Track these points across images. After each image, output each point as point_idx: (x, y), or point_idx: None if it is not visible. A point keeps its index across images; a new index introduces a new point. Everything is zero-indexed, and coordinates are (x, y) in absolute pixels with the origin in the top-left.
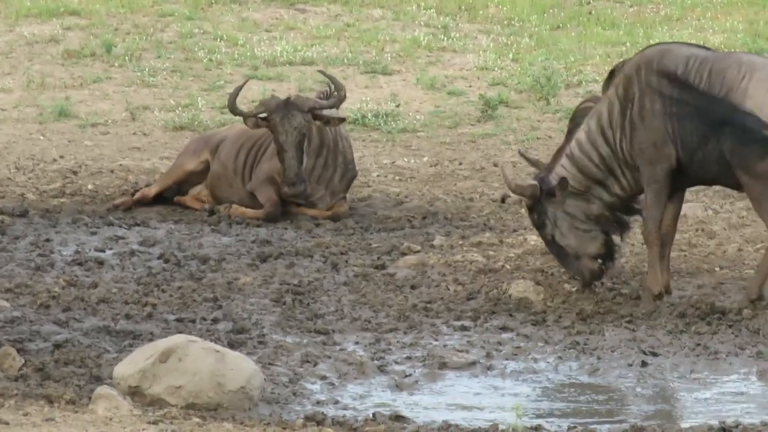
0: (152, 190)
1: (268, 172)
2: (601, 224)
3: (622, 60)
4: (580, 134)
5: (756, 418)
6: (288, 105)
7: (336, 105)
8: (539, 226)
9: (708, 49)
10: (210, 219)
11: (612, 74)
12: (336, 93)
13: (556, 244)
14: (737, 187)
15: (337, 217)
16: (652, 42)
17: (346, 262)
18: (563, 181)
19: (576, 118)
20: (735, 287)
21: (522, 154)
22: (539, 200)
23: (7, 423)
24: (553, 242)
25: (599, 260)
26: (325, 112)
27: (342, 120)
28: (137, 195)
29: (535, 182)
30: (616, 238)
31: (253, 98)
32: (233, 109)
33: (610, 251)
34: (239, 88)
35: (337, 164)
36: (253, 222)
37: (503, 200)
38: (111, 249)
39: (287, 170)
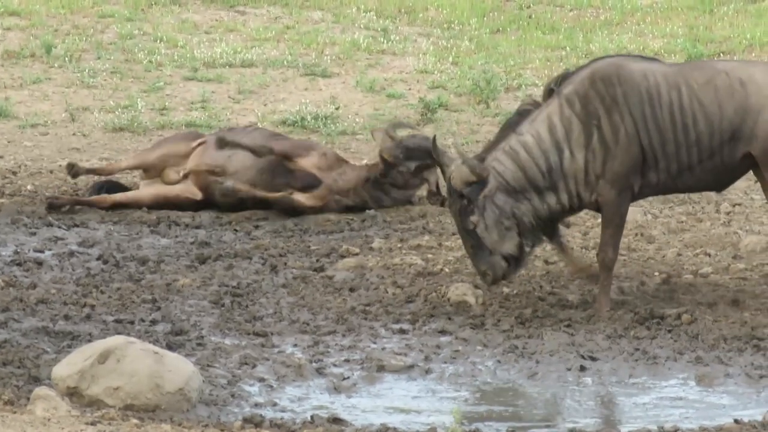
0: (122, 164)
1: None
2: (522, 228)
3: (561, 73)
4: (528, 138)
5: (694, 422)
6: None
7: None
8: (464, 213)
9: (651, 59)
10: (149, 220)
11: (552, 86)
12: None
13: (474, 235)
14: (720, 189)
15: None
16: (591, 46)
17: (285, 264)
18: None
19: (512, 122)
20: (674, 291)
21: (435, 148)
22: (475, 186)
23: None
24: (471, 232)
25: (507, 261)
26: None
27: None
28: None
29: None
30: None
31: (192, 100)
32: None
33: (521, 256)
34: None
35: None
36: (192, 223)
37: (443, 204)
38: (50, 250)
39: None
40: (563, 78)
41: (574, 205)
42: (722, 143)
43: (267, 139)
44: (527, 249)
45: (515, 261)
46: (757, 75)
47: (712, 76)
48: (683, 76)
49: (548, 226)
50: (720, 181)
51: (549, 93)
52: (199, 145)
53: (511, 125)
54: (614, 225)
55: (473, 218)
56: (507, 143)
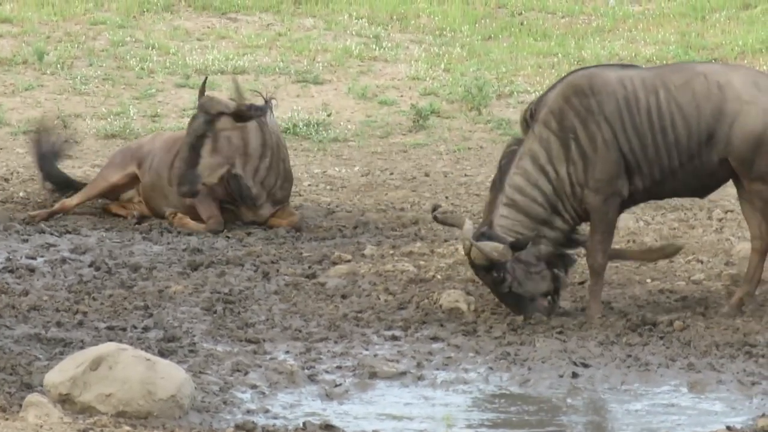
0: (73, 201)
1: (205, 188)
2: (550, 263)
3: (532, 101)
4: (516, 179)
5: (686, 429)
6: (198, 106)
7: (243, 110)
8: (499, 282)
9: (628, 65)
10: (141, 227)
11: (530, 115)
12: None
13: (513, 294)
14: (703, 194)
15: (297, 226)
16: (583, 53)
17: (277, 271)
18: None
19: (502, 167)
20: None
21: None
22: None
23: None
24: (509, 293)
25: (549, 296)
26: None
27: (260, 110)
28: (56, 206)
29: (504, 244)
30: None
31: (183, 107)
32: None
33: (559, 284)
34: (203, 85)
35: (279, 172)
36: (184, 230)
37: (434, 210)
38: (42, 256)
39: (175, 170)
40: (536, 104)
41: (576, 220)
42: (700, 146)
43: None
44: (562, 274)
45: (556, 291)
46: (735, 80)
47: (690, 78)
48: (661, 78)
49: (570, 243)
50: (704, 186)
51: (525, 124)
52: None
53: (502, 171)
54: (602, 231)
55: (506, 283)
56: (504, 195)
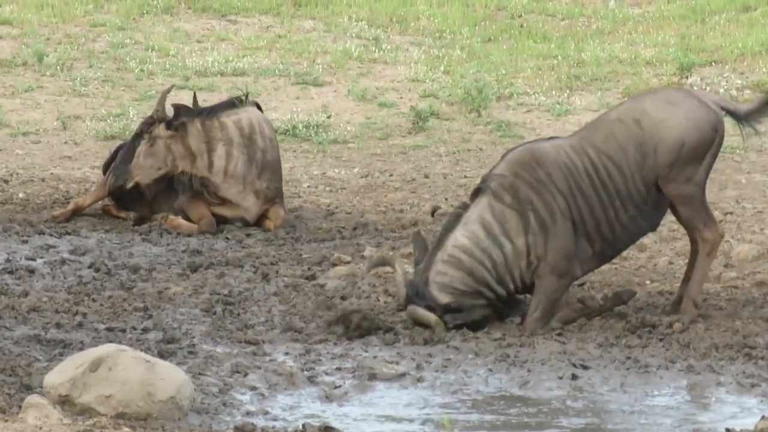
0: (87, 200)
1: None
2: (492, 309)
3: (476, 186)
4: (464, 240)
5: (686, 431)
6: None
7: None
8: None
9: (551, 138)
10: (141, 228)
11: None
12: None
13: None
14: (654, 229)
15: (289, 224)
16: (583, 55)
17: (277, 272)
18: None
19: (445, 228)
20: (665, 300)
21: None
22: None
23: None
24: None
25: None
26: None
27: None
28: (71, 206)
29: (439, 305)
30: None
31: None
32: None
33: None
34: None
35: (265, 163)
36: (184, 231)
37: (433, 212)
38: (42, 258)
39: (111, 165)
40: (482, 181)
41: (519, 290)
42: (636, 185)
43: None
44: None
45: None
46: (647, 106)
47: (610, 129)
48: (585, 139)
49: (507, 304)
50: (653, 222)
51: (475, 193)
52: None
53: (444, 231)
54: (544, 309)
55: (450, 324)
56: (444, 253)
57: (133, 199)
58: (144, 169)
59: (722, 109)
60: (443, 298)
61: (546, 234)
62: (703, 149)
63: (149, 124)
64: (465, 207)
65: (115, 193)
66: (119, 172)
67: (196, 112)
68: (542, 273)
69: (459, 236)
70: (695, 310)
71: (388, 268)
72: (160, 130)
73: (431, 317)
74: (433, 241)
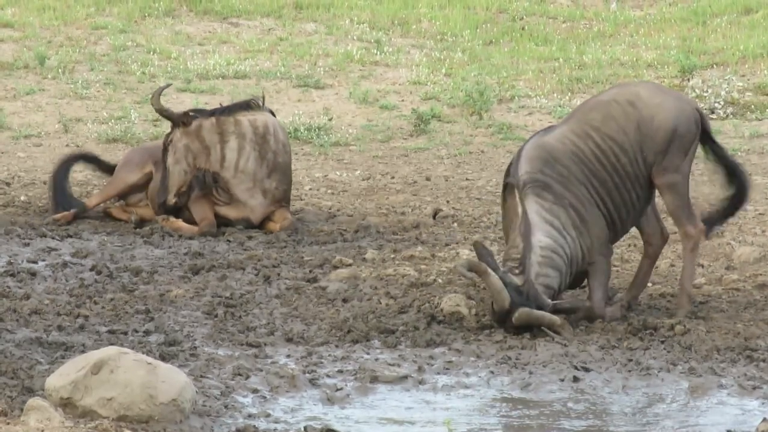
0: (92, 202)
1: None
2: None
3: (505, 179)
4: (547, 240)
5: None
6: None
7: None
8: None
9: (548, 128)
10: (143, 231)
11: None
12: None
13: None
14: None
15: (293, 228)
16: (584, 57)
17: (278, 275)
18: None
19: (521, 220)
20: (667, 303)
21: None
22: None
23: None
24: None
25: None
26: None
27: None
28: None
29: (560, 319)
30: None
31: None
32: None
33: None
34: (161, 90)
35: (276, 164)
36: (184, 234)
37: (435, 215)
38: (43, 260)
39: (155, 188)
40: (508, 177)
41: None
42: (639, 165)
43: None
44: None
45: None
46: (641, 92)
47: (607, 110)
48: (584, 122)
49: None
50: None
51: (509, 191)
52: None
53: (526, 226)
54: (604, 286)
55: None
56: (534, 253)
57: (225, 198)
58: (176, 178)
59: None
60: (548, 300)
61: (585, 224)
62: (689, 140)
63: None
64: (514, 203)
65: (169, 212)
66: (159, 192)
67: (211, 111)
68: (594, 258)
69: (541, 237)
70: (690, 305)
71: (389, 271)
72: (176, 135)
73: (555, 319)
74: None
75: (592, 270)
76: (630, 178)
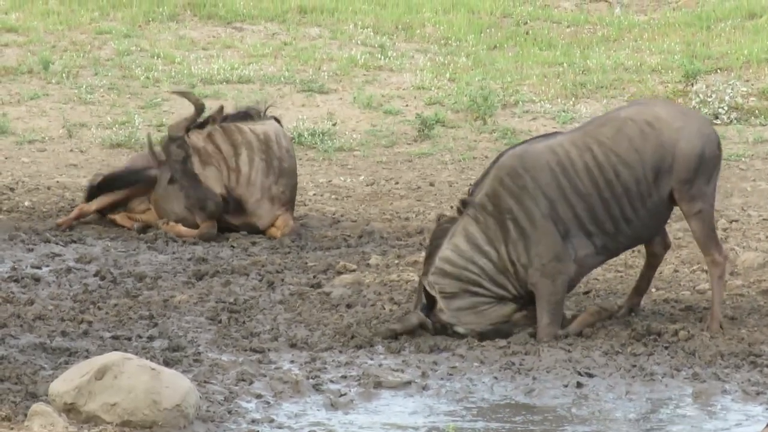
0: (92, 206)
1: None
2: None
3: (470, 186)
4: (448, 253)
5: None
6: (166, 142)
7: (196, 111)
8: (445, 330)
9: (553, 134)
10: (146, 236)
11: (465, 198)
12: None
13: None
14: (654, 236)
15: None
16: (589, 62)
17: (282, 280)
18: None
19: (435, 240)
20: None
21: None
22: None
23: None
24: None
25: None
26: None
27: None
28: (74, 212)
29: (417, 314)
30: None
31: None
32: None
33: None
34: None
35: (282, 170)
36: (189, 239)
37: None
38: (47, 266)
39: (194, 201)
40: (473, 188)
41: (524, 296)
42: (649, 187)
43: None
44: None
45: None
46: (661, 113)
47: (620, 127)
48: (591, 135)
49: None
50: (658, 227)
51: (462, 204)
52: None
53: (431, 249)
54: (550, 313)
55: (457, 329)
56: (434, 266)
57: (236, 209)
58: (214, 182)
59: None
60: (438, 299)
61: (527, 242)
62: (714, 165)
63: (182, 144)
64: (451, 221)
65: (213, 217)
66: (206, 197)
67: (211, 118)
68: (534, 279)
69: (444, 249)
70: (719, 330)
71: (393, 277)
72: (195, 138)
73: (414, 317)
74: (426, 257)
75: (536, 293)
76: (631, 197)
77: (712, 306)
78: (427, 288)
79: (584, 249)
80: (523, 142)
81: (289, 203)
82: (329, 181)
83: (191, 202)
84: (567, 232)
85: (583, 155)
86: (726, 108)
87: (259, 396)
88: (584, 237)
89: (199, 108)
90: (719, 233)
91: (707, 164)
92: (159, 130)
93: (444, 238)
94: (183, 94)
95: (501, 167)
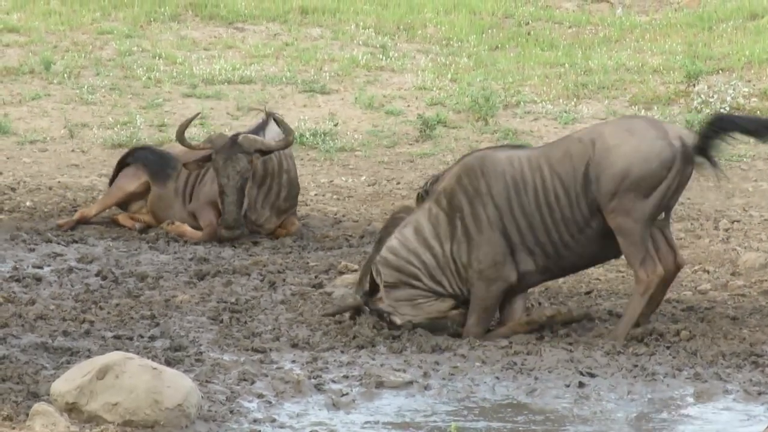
0: (92, 210)
1: (210, 195)
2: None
3: (432, 177)
4: (394, 242)
5: None
6: (234, 146)
7: (283, 147)
8: (384, 317)
9: (519, 146)
10: (148, 236)
11: (425, 192)
12: (285, 137)
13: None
14: (619, 255)
15: (289, 235)
16: (590, 63)
17: (284, 280)
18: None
19: (388, 227)
20: (672, 308)
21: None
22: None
23: None
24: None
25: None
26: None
27: (288, 143)
28: (76, 215)
29: (354, 297)
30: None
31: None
32: (182, 141)
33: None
34: (190, 120)
35: (281, 185)
36: (191, 240)
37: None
38: (49, 266)
39: (226, 215)
40: (433, 181)
41: (461, 295)
42: (582, 212)
43: None
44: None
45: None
46: (606, 131)
47: (568, 147)
48: (544, 155)
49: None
50: (613, 248)
51: (420, 198)
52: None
53: (380, 238)
54: (478, 314)
55: (394, 319)
56: (379, 254)
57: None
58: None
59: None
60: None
61: (470, 243)
62: (648, 184)
63: (249, 161)
64: (407, 210)
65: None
66: (239, 221)
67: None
68: (472, 281)
69: (392, 238)
70: (622, 341)
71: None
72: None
73: (350, 300)
74: (375, 244)
75: (471, 295)
76: (566, 221)
77: (623, 317)
78: (374, 274)
79: (526, 266)
80: (489, 147)
81: (292, 207)
82: (331, 181)
83: (228, 218)
84: (512, 245)
85: (534, 175)
86: (728, 108)
87: (260, 396)
88: (526, 254)
89: (291, 141)
90: (720, 233)
91: (637, 182)
92: (160, 131)
93: (396, 227)
94: (279, 123)
95: (463, 166)
